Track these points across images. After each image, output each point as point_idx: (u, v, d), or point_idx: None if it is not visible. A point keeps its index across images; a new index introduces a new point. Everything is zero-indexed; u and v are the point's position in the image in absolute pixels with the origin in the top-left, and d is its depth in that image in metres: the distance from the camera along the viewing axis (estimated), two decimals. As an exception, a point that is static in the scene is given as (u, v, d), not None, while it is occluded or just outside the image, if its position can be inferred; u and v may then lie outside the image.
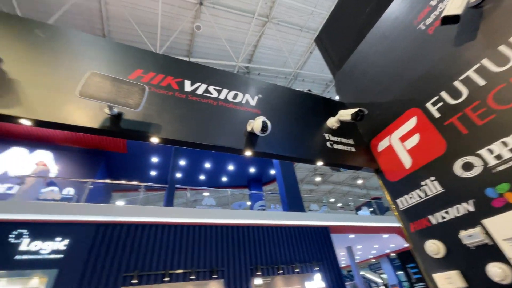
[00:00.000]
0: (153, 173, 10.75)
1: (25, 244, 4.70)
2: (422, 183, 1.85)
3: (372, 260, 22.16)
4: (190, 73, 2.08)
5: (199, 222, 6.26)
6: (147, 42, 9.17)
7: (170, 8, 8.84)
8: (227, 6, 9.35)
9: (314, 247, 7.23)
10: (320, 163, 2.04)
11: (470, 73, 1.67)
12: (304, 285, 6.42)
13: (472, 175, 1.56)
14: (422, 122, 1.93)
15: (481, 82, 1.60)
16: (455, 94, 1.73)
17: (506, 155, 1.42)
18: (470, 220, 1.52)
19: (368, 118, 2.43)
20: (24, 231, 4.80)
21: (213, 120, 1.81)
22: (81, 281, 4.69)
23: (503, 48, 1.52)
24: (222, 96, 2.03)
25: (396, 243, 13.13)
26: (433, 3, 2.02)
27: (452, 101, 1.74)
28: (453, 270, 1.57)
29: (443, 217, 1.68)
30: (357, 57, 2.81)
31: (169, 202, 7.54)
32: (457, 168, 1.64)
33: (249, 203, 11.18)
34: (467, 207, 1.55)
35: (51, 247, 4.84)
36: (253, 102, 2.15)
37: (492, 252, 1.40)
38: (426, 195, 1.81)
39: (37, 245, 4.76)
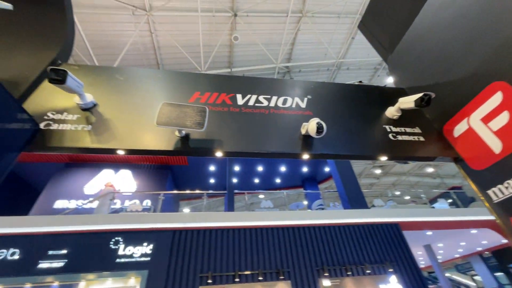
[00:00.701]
0: (212, 180, 11.58)
1: (121, 249, 5.64)
2: (521, 169, 1.55)
3: (459, 260, 18.99)
4: (240, 86, 2.21)
5: (260, 224, 6.46)
6: (192, 62, 10.02)
7: (208, 26, 9.49)
8: (259, 11, 9.53)
9: (385, 246, 6.65)
10: (384, 158, 1.91)
11: None
12: (378, 287, 5.95)
13: None
14: (510, 96, 1.62)
15: None
16: (557, 56, 1.40)
17: None
18: None
19: (436, 102, 2.15)
20: (120, 238, 5.75)
21: (267, 128, 1.89)
22: (167, 280, 5.36)
23: None
24: (272, 104, 2.10)
25: (490, 239, 11.01)
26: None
27: (553, 66, 1.42)
28: None
29: (559, 209, 1.37)
30: (413, 35, 2.52)
31: (230, 207, 8.00)
32: None
33: (306, 202, 11.00)
34: None
35: (141, 251, 5.68)
36: (303, 105, 2.15)
37: None
38: (529, 183, 1.51)
39: (130, 249, 5.65)
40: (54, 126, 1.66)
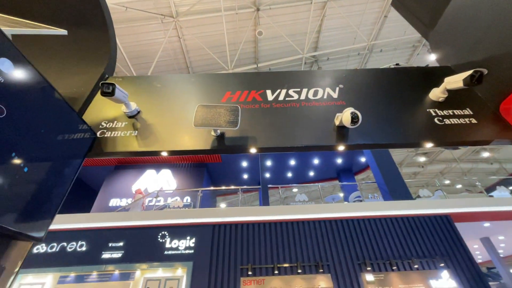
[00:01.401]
0: (245, 176, 11.85)
1: (168, 242, 6.13)
2: None
3: (528, 255, 16.72)
4: (269, 82, 2.22)
5: (296, 218, 6.47)
6: (219, 62, 10.26)
7: (232, 24, 9.59)
8: (282, 2, 9.33)
9: (434, 239, 6.15)
10: (429, 145, 1.77)
11: None
12: (429, 284, 5.55)
13: None
14: None
15: None
16: None
17: None
18: None
19: (490, 78, 1.92)
20: (166, 233, 6.26)
21: (299, 122, 1.88)
22: (210, 270, 5.70)
23: None
24: (303, 97, 2.08)
25: None
26: None
27: None
28: None
29: None
30: (457, 6, 2.25)
31: (264, 201, 8.13)
32: None
33: (342, 195, 10.63)
34: None
35: (185, 244, 6.11)
36: (335, 95, 2.09)
37: None
38: None
39: (175, 243, 6.12)
40: (108, 134, 1.87)
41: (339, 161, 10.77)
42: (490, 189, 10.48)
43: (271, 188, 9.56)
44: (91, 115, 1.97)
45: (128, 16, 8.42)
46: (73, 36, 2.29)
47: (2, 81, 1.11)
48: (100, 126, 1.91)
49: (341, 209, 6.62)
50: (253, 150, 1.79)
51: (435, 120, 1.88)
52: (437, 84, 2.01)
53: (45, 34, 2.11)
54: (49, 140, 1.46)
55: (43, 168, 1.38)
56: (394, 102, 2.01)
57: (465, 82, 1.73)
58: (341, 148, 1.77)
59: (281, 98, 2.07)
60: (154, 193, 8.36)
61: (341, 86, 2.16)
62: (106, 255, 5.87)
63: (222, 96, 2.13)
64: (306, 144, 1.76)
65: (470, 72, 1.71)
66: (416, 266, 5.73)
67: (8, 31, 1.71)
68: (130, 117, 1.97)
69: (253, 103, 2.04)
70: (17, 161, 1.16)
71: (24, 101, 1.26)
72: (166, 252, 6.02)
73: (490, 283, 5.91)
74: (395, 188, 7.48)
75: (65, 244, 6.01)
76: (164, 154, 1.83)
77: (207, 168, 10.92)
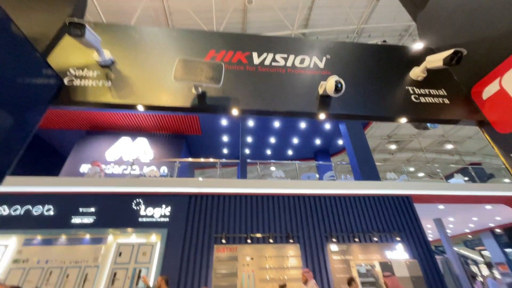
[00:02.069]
0: (225, 150, 11.84)
1: (143, 210, 6.09)
2: (554, 130, 1.46)
3: (469, 236, 19.05)
4: (256, 45, 2.13)
5: (272, 192, 6.69)
6: (204, 27, 9.64)
7: (221, -12, 8.92)
8: (276, -30, 8.77)
9: (394, 217, 6.76)
10: (403, 120, 1.85)
11: None
12: (385, 254, 6.18)
13: None
14: (555, 51, 1.47)
15: None
16: None
17: None
18: None
19: (466, 62, 2.00)
20: (141, 200, 6.19)
21: (284, 87, 1.85)
22: (184, 238, 5.83)
23: None
24: (289, 63, 2.03)
25: (504, 216, 10.85)
26: None
27: None
28: None
29: None
30: (448, -14, 2.26)
31: (242, 175, 8.26)
32: None
33: (317, 175, 11.11)
34: None
35: (160, 212, 6.12)
36: (321, 64, 2.07)
37: None
38: (560, 145, 1.43)
39: (150, 210, 6.10)
40: (77, 82, 1.71)
41: (317, 142, 11.09)
42: (448, 176, 11.52)
43: (249, 165, 9.69)
44: (57, 59, 1.77)
45: (103, -37, 7.45)
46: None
47: None
48: (68, 73, 1.74)
49: (314, 186, 6.94)
50: (235, 112, 1.75)
51: (412, 97, 1.95)
52: (418, 64, 2.06)
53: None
54: (5, 83, 1.29)
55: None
56: (376, 77, 2.04)
57: (445, 61, 1.79)
58: (322, 116, 1.80)
59: (267, 62, 2.01)
60: (129, 161, 8.08)
61: (328, 56, 2.14)
62: (76, 220, 5.72)
63: (206, 54, 2.02)
64: (289, 109, 1.76)
65: (451, 51, 1.77)
66: (375, 239, 6.31)
67: None
68: (103, 66, 1.81)
69: (238, 65, 1.96)
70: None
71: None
72: (140, 219, 6.00)
73: (436, 257, 6.72)
74: (366, 170, 7.94)
75: (30, 207, 5.74)
76: (141, 109, 1.73)
77: (186, 141, 10.71)
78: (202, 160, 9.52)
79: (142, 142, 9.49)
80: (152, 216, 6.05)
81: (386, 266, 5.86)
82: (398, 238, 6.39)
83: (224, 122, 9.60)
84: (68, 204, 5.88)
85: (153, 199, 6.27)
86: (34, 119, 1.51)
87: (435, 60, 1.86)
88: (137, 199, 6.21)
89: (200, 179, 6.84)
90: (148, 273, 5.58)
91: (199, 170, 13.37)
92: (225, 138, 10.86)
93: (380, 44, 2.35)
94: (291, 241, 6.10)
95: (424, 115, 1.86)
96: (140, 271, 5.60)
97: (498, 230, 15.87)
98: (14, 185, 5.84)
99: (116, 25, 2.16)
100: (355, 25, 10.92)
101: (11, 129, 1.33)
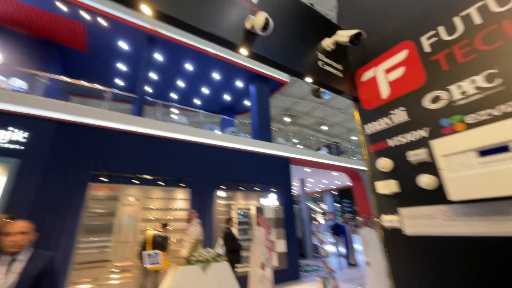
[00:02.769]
0: (119, 82, 9.83)
1: (-24, 129, 4.34)
2: (392, 112, 2.07)
3: (317, 194, 25.93)
4: None
5: (172, 136, 6.34)
6: None
7: None
8: None
9: (274, 173, 8.09)
10: (309, 79, 2.10)
11: (472, 10, 1.70)
12: (260, 201, 7.45)
13: (436, 107, 1.78)
14: (411, 55, 2.02)
15: (478, 20, 1.66)
16: (451, 30, 1.78)
17: (470, 91, 1.62)
18: (420, 143, 1.82)
19: (360, 48, 2.44)
20: (-29, 116, 4.34)
21: (211, 6, 1.63)
22: (45, 173, 4.72)
23: (512, -14, 1.53)
24: (223, -18, 1.78)
25: (341, 181, 15.34)
26: None
27: (446, 37, 1.81)
28: (393, 179, 1.96)
29: (400, 141, 1.98)
30: (369, -23, 2.57)
31: (138, 114, 7.26)
32: (426, 100, 1.85)
33: (220, 132, 11.38)
34: (422, 133, 1.83)
35: (9, 137, 4.56)
36: (255, 0, 1.94)
37: (428, 167, 1.74)
38: (392, 122, 2.06)
39: (-9, 132, 4.43)
40: None
41: (226, 97, 11.14)
42: (317, 149, 14.71)
43: (148, 105, 8.60)
44: None
45: None
46: None
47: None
48: None
49: (215, 137, 7.13)
50: (145, 9, 1.40)
51: (319, 63, 2.22)
52: (330, 36, 2.33)
53: None
54: None
55: None
56: (298, 34, 2.15)
57: (350, 38, 2.10)
58: (244, 51, 1.74)
59: (197, -32, 1.68)
60: None
61: (263, -6, 2.03)
62: None
63: None
64: (212, 31, 1.58)
65: (355, 31, 2.09)
66: (256, 189, 7.44)
67: None
68: None
69: (159, -47, 1.53)
70: None
71: None
72: (-30, 141, 4.27)
73: (295, 206, 8.78)
74: (263, 132, 8.84)
75: None
76: None
77: (62, 54, 8.03)
78: (84, 84, 7.53)
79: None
80: (-7, 140, 4.44)
81: (260, 210, 7.13)
82: (273, 189, 7.79)
83: (123, 45, 7.77)
84: None
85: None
86: None
87: (343, 35, 2.15)
88: (-35, 113, 4.33)
89: (78, 105, 5.47)
90: (-20, 210, 4.25)
91: (78, 97, 10.65)
92: (121, 66, 8.95)
93: (309, 5, 2.45)
94: (182, 185, 6.19)
95: (323, 80, 2.17)
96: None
97: (334, 192, 22.63)
98: None
99: None
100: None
101: None
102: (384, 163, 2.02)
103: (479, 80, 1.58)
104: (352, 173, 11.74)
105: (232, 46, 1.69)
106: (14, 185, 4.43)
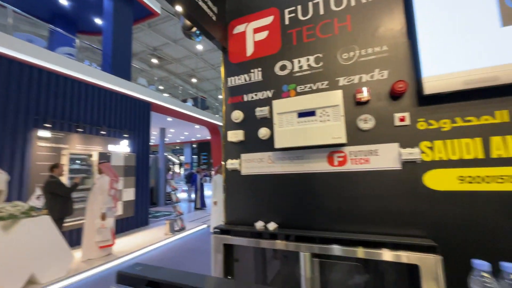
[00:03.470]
0: None
1: None
2: (252, 70, 2.29)
3: (177, 146, 25.90)
4: None
5: None
6: None
7: None
8: None
9: (130, 117, 7.06)
10: (179, 8, 1.83)
11: (321, 1, 2.09)
12: (107, 147, 6.35)
13: (282, 74, 2.16)
14: (275, 23, 2.25)
15: (322, 11, 2.08)
16: (305, 12, 2.13)
17: (304, 67, 2.08)
18: (266, 102, 2.19)
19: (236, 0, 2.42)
20: None
21: None
22: None
23: (344, -7, 2.02)
24: None
25: (202, 134, 16.11)
26: None
27: (301, 17, 2.15)
28: (241, 130, 2.26)
29: (252, 97, 2.27)
30: None
31: None
32: (277, 67, 2.19)
33: (46, 50, 7.90)
34: (269, 93, 2.19)
35: None
36: None
37: (267, 122, 2.15)
38: (250, 79, 2.29)
39: None
40: None
41: (62, 0, 7.73)
42: (184, 100, 14.26)
43: None
44: None
45: None
46: None
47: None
48: None
49: (33, 52, 4.96)
50: None
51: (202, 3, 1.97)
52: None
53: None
54: None
55: None
56: None
57: (229, -20, 1.99)
58: None
59: None
60: None
61: None
62: None
63: None
64: None
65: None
66: (103, 133, 6.21)
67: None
68: None
69: None
70: None
71: None
72: None
73: (151, 156, 8.26)
74: (120, 66, 7.20)
75: None
76: None
77: None
78: None
79: None
80: None
81: (104, 156, 6.09)
82: (126, 135, 6.85)
83: None
84: None
85: None
86: None
87: (224, -26, 2.01)
88: None
89: None
90: None
91: None
92: None
93: None
94: (-38, 114, 3.98)
95: (195, 16, 1.97)
96: None
97: (194, 145, 23.54)
98: None
99: None
100: None
101: None
102: (237, 115, 2.26)
103: (311, 60, 2.05)
104: (213, 128, 12.60)
105: None
106: None
